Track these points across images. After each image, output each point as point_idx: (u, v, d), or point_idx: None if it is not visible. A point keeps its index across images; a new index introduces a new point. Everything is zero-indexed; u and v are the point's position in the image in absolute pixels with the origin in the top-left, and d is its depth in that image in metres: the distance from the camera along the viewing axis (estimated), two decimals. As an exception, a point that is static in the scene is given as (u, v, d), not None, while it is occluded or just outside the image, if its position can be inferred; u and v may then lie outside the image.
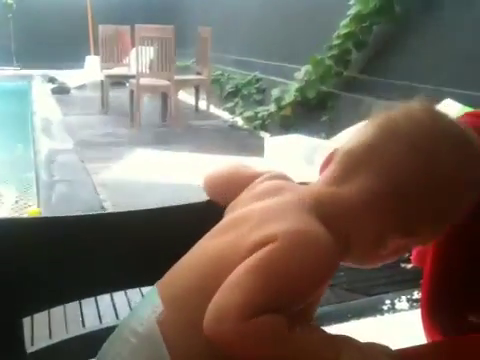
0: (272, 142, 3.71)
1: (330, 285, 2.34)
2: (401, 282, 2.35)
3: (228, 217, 0.71)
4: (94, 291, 0.78)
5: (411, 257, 1.31)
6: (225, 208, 0.74)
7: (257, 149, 4.05)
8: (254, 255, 0.60)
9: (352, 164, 0.67)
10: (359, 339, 0.62)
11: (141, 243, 0.72)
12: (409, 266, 2.28)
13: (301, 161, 3.20)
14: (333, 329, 1.85)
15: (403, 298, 2.21)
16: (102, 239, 0.71)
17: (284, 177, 0.76)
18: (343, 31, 3.92)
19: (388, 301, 2.22)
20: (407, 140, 0.65)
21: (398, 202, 0.64)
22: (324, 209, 0.65)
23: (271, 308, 0.57)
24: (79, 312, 2.07)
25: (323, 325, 1.93)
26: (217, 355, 0.62)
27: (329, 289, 2.34)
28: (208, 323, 0.58)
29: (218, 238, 0.68)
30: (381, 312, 2.16)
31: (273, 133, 4.67)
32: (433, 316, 1.07)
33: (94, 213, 0.75)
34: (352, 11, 3.85)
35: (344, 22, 3.92)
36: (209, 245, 0.69)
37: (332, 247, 0.61)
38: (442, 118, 0.68)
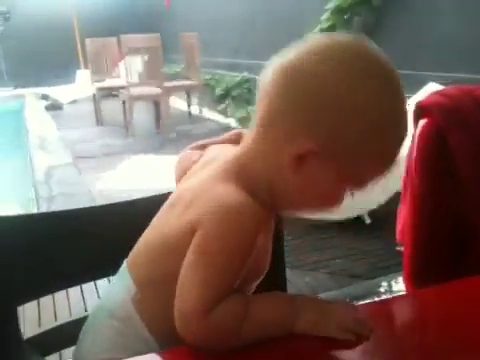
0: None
1: (328, 272, 2.41)
2: (397, 264, 2.41)
3: (173, 193, 0.75)
4: (83, 279, 0.85)
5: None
6: None
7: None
8: (189, 251, 0.63)
9: (267, 118, 0.65)
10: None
11: (123, 233, 0.77)
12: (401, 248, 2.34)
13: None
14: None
15: (400, 280, 2.26)
16: (87, 231, 0.78)
17: (228, 140, 0.79)
18: (325, 25, 3.97)
19: (385, 283, 2.28)
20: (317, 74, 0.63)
21: (311, 130, 0.62)
22: (246, 171, 0.66)
23: (223, 292, 0.61)
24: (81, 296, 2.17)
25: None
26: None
27: (328, 275, 2.41)
28: (178, 329, 0.62)
29: (166, 215, 0.73)
30: (379, 294, 2.21)
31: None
32: (416, 285, 1.14)
33: (79, 207, 0.82)
34: (331, 5, 3.90)
35: (325, 16, 3.97)
36: (160, 222, 0.74)
37: (255, 212, 0.63)
38: (340, 57, 0.64)
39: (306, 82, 0.62)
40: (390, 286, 2.27)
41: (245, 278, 0.65)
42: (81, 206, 0.82)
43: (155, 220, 0.75)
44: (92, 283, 1.79)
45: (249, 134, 0.68)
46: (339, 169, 0.64)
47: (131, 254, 0.75)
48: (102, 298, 0.78)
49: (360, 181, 0.68)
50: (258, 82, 0.66)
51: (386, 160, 0.66)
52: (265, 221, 0.67)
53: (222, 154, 0.73)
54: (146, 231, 0.75)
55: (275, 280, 0.84)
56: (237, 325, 0.61)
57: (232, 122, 5.88)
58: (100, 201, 3.48)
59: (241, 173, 0.67)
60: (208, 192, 0.66)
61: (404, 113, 0.65)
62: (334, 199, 0.68)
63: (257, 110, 0.66)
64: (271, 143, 0.64)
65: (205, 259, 0.62)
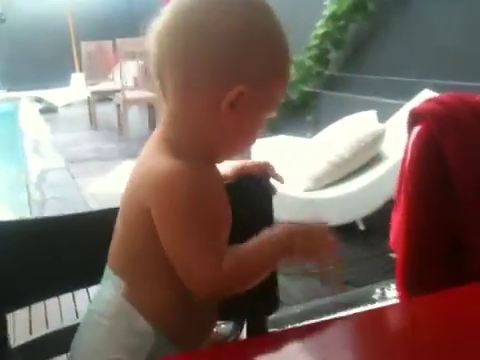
0: (259, 144, 3.75)
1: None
2: (391, 271, 2.40)
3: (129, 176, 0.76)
4: (73, 286, 0.84)
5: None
6: None
7: (245, 152, 4.10)
8: (162, 229, 0.66)
9: (183, 86, 0.68)
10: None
11: (109, 241, 0.77)
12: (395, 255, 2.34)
13: (286, 161, 3.25)
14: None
15: (392, 286, 2.25)
16: (76, 237, 0.77)
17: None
18: (320, 31, 3.99)
19: (378, 290, 2.27)
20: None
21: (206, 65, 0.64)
22: (178, 138, 0.69)
23: (221, 243, 0.67)
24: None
25: (315, 317, 1.98)
26: (184, 300, 0.70)
27: (321, 284, 2.40)
28: (205, 296, 0.67)
29: (123, 200, 0.75)
30: (372, 301, 2.21)
31: (260, 136, 4.71)
32: (409, 292, 1.13)
33: (68, 214, 0.81)
34: (327, 11, 3.91)
35: (320, 22, 3.98)
36: (121, 210, 0.75)
37: (194, 173, 0.65)
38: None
39: (209, 37, 0.64)
40: (384, 293, 2.26)
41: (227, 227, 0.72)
42: (73, 211, 0.81)
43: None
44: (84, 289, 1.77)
45: (167, 107, 0.70)
46: (261, 97, 0.67)
47: (109, 252, 0.76)
48: (90, 304, 0.77)
49: (276, 101, 0.72)
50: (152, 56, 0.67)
51: (285, 68, 0.71)
52: (210, 172, 0.72)
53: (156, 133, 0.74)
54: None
55: (266, 284, 0.83)
56: (247, 270, 0.67)
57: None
58: (93, 205, 3.46)
59: (172, 141, 0.69)
60: (147, 169, 0.68)
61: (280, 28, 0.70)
62: (258, 128, 0.73)
63: (164, 83, 0.68)
64: (197, 103, 0.66)
65: (189, 233, 0.65)
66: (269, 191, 0.83)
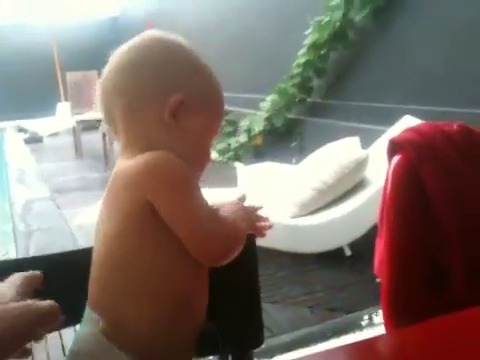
0: (244, 172, 3.78)
1: (310, 306, 2.39)
2: (378, 297, 2.40)
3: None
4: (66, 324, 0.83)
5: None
6: None
7: (231, 180, 4.12)
8: (165, 208, 0.69)
9: (128, 111, 0.75)
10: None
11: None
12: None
13: (272, 187, 3.27)
14: (314, 350, 1.91)
15: (380, 312, 2.25)
16: (61, 276, 0.76)
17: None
18: (302, 60, 4.06)
19: (366, 317, 2.27)
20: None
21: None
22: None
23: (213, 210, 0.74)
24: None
25: (304, 346, 1.96)
26: (164, 321, 0.71)
27: (309, 310, 2.39)
28: (217, 259, 0.72)
29: (101, 219, 0.76)
30: (360, 328, 2.20)
31: (246, 162, 4.75)
32: (393, 319, 1.13)
33: (52, 253, 0.81)
34: (309, 41, 4.00)
35: (302, 51, 4.06)
36: (97, 240, 0.76)
37: (178, 160, 0.71)
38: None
39: (140, 65, 0.75)
40: (371, 319, 2.26)
41: None
42: (60, 242, 0.81)
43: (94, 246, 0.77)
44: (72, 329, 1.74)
45: (120, 140, 0.76)
46: (199, 107, 0.75)
47: (89, 291, 0.76)
48: (72, 344, 0.76)
49: (216, 113, 0.79)
50: (101, 96, 0.77)
51: (212, 79, 0.80)
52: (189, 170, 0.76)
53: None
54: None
55: (251, 313, 0.83)
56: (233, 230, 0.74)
57: (213, 153, 5.90)
58: (79, 236, 3.43)
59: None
60: (125, 171, 0.72)
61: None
62: (208, 144, 0.79)
63: (113, 114, 0.76)
64: (144, 121, 0.73)
65: (191, 195, 0.71)
66: (253, 253, 0.84)
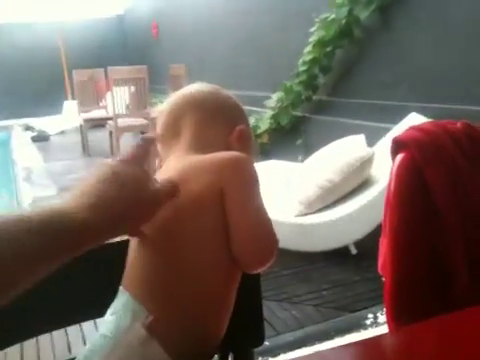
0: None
1: (315, 305, 2.39)
2: (382, 296, 2.40)
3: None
4: (67, 322, 0.83)
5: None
6: None
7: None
8: (238, 199, 0.75)
9: (183, 126, 0.87)
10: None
11: (107, 274, 0.76)
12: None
13: (278, 185, 3.27)
14: (318, 348, 1.92)
15: (385, 311, 2.25)
16: (70, 272, 0.76)
17: None
18: (308, 57, 4.05)
19: (371, 315, 2.27)
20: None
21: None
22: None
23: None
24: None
25: (308, 345, 1.96)
26: (207, 336, 0.72)
27: (314, 308, 2.39)
28: (271, 256, 0.76)
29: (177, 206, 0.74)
30: (365, 327, 2.20)
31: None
32: (397, 318, 1.13)
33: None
34: (315, 38, 3.98)
35: (308, 49, 4.04)
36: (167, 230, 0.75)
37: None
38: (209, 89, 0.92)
39: (217, 100, 0.91)
40: (376, 318, 2.26)
41: None
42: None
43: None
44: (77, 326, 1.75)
45: (182, 141, 0.86)
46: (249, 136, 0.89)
47: (130, 280, 0.74)
48: (102, 332, 0.74)
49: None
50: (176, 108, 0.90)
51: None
52: None
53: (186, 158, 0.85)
54: (141, 255, 0.74)
55: (252, 311, 0.83)
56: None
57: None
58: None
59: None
60: (209, 161, 0.79)
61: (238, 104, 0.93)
62: None
63: (185, 124, 0.87)
64: (213, 134, 0.86)
65: (255, 195, 0.76)
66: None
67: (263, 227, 0.75)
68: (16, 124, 9.19)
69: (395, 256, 1.10)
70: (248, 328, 0.81)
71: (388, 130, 3.11)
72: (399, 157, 1.12)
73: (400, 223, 1.08)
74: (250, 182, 0.76)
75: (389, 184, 1.14)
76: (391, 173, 1.13)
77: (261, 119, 4.83)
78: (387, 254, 1.14)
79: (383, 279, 2.16)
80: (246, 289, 0.75)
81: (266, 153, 4.76)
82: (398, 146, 1.14)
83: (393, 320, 1.16)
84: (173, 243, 0.72)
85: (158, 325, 0.69)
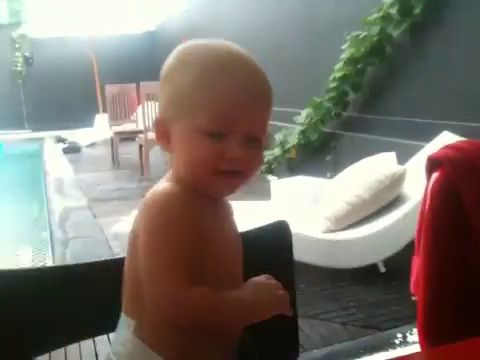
0: (278, 185, 3.78)
1: (342, 322, 2.37)
2: (412, 315, 2.36)
3: None
4: (98, 331, 0.86)
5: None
6: None
7: (264, 193, 4.12)
8: (140, 250, 0.71)
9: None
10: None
11: None
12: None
13: (305, 201, 3.26)
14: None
15: (414, 331, 2.21)
16: (101, 283, 0.79)
17: None
18: (338, 74, 4.06)
19: (400, 335, 2.23)
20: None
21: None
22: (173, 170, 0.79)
23: (188, 274, 0.68)
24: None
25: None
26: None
27: (341, 326, 2.36)
28: (165, 314, 0.69)
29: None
30: (393, 346, 2.16)
31: (280, 176, 4.75)
32: (428, 338, 1.12)
33: (93, 261, 0.84)
34: (346, 55, 3.99)
35: (338, 66, 4.05)
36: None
37: (179, 199, 0.71)
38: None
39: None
40: (405, 338, 2.22)
41: (220, 270, 0.74)
42: (95, 251, 0.83)
43: None
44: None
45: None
46: (181, 119, 0.74)
47: (122, 297, 0.79)
48: (110, 347, 0.80)
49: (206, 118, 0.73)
50: None
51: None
52: (196, 205, 0.73)
53: None
54: None
55: (286, 327, 0.83)
56: (213, 306, 0.69)
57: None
58: (115, 245, 3.50)
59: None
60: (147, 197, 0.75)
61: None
62: (204, 151, 0.73)
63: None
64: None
65: (157, 253, 0.69)
66: (288, 237, 0.85)
67: (148, 279, 0.70)
68: (48, 136, 9.40)
69: (429, 274, 1.09)
70: (283, 342, 0.81)
71: (419, 148, 3.08)
72: (434, 175, 1.12)
73: (434, 241, 1.08)
74: (152, 231, 0.70)
75: (423, 202, 1.13)
76: (426, 191, 1.12)
77: (289, 134, 4.84)
78: (420, 273, 1.14)
79: (413, 298, 2.12)
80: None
81: (294, 169, 4.76)
82: (433, 164, 1.14)
83: (425, 339, 1.15)
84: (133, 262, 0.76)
85: (142, 331, 0.74)
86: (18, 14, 10.74)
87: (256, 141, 0.74)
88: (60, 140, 8.76)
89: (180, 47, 0.79)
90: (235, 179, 0.74)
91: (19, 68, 10.70)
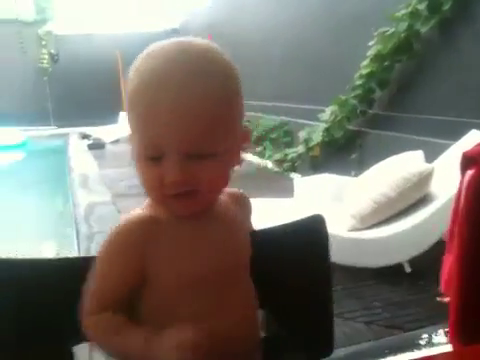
0: (301, 183, 3.76)
1: (366, 322, 2.35)
2: (437, 316, 2.32)
3: None
4: None
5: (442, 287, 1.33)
6: None
7: (287, 191, 4.10)
8: None
9: None
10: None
11: None
12: (446, 300, 2.26)
13: (329, 199, 3.24)
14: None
15: (440, 332, 2.17)
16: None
17: None
18: (364, 71, 4.01)
19: (425, 335, 2.19)
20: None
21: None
22: None
23: (102, 304, 0.72)
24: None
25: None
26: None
27: (366, 325, 2.34)
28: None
29: None
30: (418, 347, 2.13)
31: (303, 174, 4.72)
32: (461, 337, 1.09)
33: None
34: (372, 52, 3.94)
35: (364, 63, 4.00)
36: None
37: (134, 227, 0.73)
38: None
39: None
40: (430, 338, 2.18)
41: (200, 285, 0.72)
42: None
43: None
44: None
45: None
46: (131, 139, 0.74)
47: None
48: None
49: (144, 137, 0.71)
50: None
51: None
52: (155, 227, 0.74)
53: None
54: None
55: (321, 325, 0.82)
56: (102, 336, 0.72)
57: (269, 164, 5.91)
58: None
59: None
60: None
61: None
62: (148, 176, 0.73)
63: None
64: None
65: (91, 278, 0.75)
66: (324, 232, 0.83)
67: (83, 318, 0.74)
68: (73, 132, 9.51)
69: (463, 272, 1.07)
70: (317, 337, 0.80)
71: (446, 146, 3.03)
72: (469, 173, 1.09)
73: (469, 239, 1.05)
74: (97, 258, 0.76)
75: (457, 199, 1.11)
76: (460, 188, 1.10)
77: (314, 132, 4.81)
78: (453, 270, 1.11)
79: (441, 299, 2.09)
80: (318, 301, 0.75)
81: (318, 167, 4.73)
82: (468, 161, 1.11)
83: (458, 338, 1.12)
84: None
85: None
86: (44, 11, 10.88)
87: (205, 156, 0.69)
88: (85, 136, 8.86)
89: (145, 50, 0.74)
90: (190, 200, 0.71)
91: (45, 65, 10.84)
